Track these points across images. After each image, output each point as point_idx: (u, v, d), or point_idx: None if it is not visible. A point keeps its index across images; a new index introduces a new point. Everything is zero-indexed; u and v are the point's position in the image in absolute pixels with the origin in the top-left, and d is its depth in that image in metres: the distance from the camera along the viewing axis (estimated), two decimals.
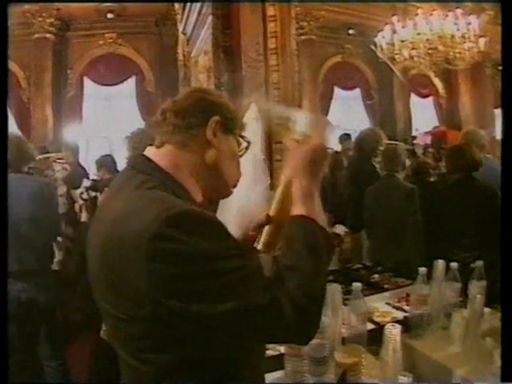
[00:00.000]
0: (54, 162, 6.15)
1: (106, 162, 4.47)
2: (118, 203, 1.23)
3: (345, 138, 7.10)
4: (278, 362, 1.87)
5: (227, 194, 1.47)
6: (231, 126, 1.40)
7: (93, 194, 4.08)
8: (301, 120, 1.44)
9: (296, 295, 1.14)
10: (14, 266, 3.19)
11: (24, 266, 3.26)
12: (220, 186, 1.42)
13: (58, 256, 3.91)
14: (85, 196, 4.29)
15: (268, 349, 2.02)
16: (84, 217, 3.71)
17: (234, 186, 1.47)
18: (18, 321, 3.23)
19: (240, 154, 1.46)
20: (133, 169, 1.34)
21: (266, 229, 1.46)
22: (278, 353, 1.97)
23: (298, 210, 1.31)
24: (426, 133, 9.96)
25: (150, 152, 1.36)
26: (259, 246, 1.45)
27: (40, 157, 5.07)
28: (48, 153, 6.15)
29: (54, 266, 3.84)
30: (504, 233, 1.43)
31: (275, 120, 1.45)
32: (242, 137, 1.45)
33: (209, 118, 1.34)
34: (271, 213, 1.46)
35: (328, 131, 1.45)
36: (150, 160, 1.33)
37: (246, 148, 1.48)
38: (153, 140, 1.40)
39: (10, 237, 3.06)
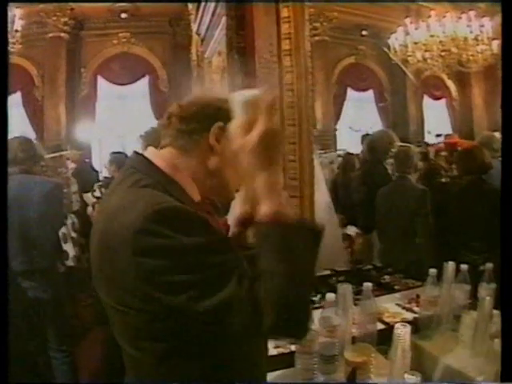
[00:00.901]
0: (68, 159, 6.21)
1: (117, 159, 4.51)
2: (113, 201, 1.28)
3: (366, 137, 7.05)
4: (288, 360, 1.90)
5: (230, 197, 1.49)
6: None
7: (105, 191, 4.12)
8: (239, 101, 1.30)
9: (275, 301, 1.14)
10: (23, 266, 3.25)
11: (33, 265, 3.31)
12: (222, 190, 1.43)
13: (73, 252, 3.95)
14: (97, 194, 4.32)
15: (278, 346, 2.06)
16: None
17: (238, 190, 1.48)
18: (26, 318, 3.28)
19: None
20: (131, 168, 1.37)
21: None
22: (288, 350, 2.00)
23: (264, 208, 1.23)
24: (439, 135, 9.92)
25: (150, 152, 1.39)
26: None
27: (53, 155, 5.12)
28: (62, 151, 6.20)
29: (70, 262, 3.88)
30: (504, 234, 1.45)
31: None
32: None
33: (212, 124, 1.35)
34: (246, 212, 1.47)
35: (271, 107, 1.28)
36: (148, 160, 1.36)
37: None
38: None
39: (19, 237, 3.13)
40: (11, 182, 3.25)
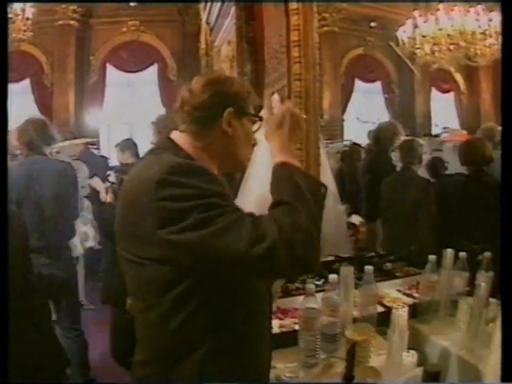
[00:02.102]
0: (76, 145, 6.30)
1: (130, 146, 4.58)
2: (138, 167, 1.46)
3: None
4: (291, 338, 1.97)
5: (243, 168, 1.71)
6: (245, 109, 1.54)
7: (121, 176, 4.18)
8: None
9: (288, 230, 1.25)
10: (39, 243, 3.34)
11: (48, 242, 3.40)
12: (236, 163, 1.60)
13: (93, 232, 4.07)
14: (112, 179, 4.38)
15: (283, 326, 2.14)
16: (110, 198, 3.83)
17: (249, 160, 1.67)
18: (39, 294, 3.37)
19: (255, 130, 1.60)
20: (155, 146, 1.56)
21: None
22: (291, 329, 2.08)
23: (278, 158, 1.46)
24: (445, 129, 9.91)
25: (174, 134, 1.53)
26: None
27: (72, 142, 5.23)
28: (75, 138, 6.30)
29: (90, 243, 4.01)
30: (504, 225, 1.51)
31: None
32: (255, 116, 1.58)
33: (223, 110, 1.48)
34: None
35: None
36: (172, 140, 1.51)
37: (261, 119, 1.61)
38: (176, 125, 1.56)
39: (34, 214, 3.22)
40: (26, 161, 3.39)
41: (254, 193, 3.05)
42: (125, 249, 1.42)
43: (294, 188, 1.36)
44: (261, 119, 1.59)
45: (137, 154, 4.39)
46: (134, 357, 1.53)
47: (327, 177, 3.31)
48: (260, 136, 1.55)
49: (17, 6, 8.15)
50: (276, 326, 2.09)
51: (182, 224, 1.25)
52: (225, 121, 1.48)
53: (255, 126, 1.59)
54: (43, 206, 3.38)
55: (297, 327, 1.99)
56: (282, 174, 1.41)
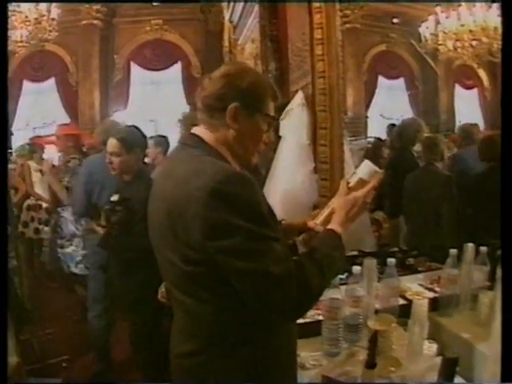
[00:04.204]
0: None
1: (161, 142, 4.64)
2: (179, 170, 1.46)
3: (391, 128, 7.07)
4: (314, 328, 2.03)
5: (250, 163, 1.66)
6: (258, 106, 1.55)
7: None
8: (363, 167, 1.78)
9: (307, 282, 1.37)
10: None
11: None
12: (243, 157, 1.60)
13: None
14: None
15: (307, 317, 2.19)
16: None
17: (257, 156, 1.68)
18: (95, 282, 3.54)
19: (267, 129, 1.62)
20: (183, 144, 1.58)
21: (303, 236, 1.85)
22: (315, 320, 2.13)
23: (336, 226, 1.60)
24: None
25: (196, 129, 1.58)
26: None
27: None
28: None
29: None
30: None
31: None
32: (267, 115, 1.58)
33: (229, 103, 1.50)
34: (315, 221, 1.76)
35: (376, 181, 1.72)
36: (198, 136, 1.54)
37: (274, 120, 1.67)
38: None
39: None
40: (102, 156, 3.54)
41: (279, 187, 3.11)
42: (171, 252, 1.47)
43: (331, 256, 1.49)
44: (273, 119, 1.63)
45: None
46: (175, 348, 1.59)
47: (351, 172, 3.34)
48: (283, 132, 1.63)
49: (42, 7, 8.29)
50: None
51: (221, 242, 1.32)
52: (229, 114, 1.49)
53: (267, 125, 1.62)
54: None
55: (320, 318, 2.05)
56: (331, 239, 1.56)
